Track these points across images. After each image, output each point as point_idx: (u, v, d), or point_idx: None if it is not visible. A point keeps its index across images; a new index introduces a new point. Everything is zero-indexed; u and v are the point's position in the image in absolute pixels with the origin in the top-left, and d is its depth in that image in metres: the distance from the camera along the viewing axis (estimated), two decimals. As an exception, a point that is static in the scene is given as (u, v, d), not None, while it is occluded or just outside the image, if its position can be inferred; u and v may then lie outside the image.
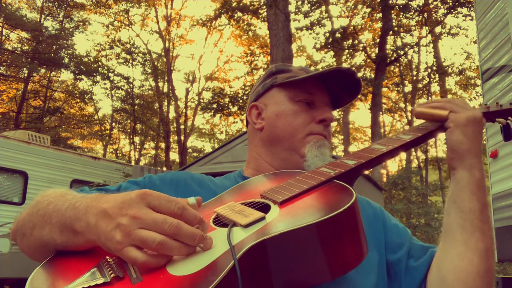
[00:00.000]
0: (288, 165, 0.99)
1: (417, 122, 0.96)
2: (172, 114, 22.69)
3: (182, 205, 0.63)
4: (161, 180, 0.97)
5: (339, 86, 1.04)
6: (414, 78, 20.99)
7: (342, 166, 0.82)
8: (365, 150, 0.87)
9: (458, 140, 0.85)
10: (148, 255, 0.59)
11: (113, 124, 23.78)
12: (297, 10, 14.53)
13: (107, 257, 0.64)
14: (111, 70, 21.63)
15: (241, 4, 15.02)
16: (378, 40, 15.97)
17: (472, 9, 13.17)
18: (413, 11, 14.95)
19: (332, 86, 1.04)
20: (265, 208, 0.73)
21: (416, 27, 16.95)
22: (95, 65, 20.67)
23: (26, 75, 18.60)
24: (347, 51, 17.72)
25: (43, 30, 18.28)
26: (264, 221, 0.67)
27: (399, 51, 16.22)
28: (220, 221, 0.73)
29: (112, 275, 0.59)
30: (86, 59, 20.54)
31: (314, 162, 0.95)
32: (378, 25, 17.33)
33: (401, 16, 15.58)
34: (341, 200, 0.66)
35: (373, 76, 15.00)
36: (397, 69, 20.78)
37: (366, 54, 17.14)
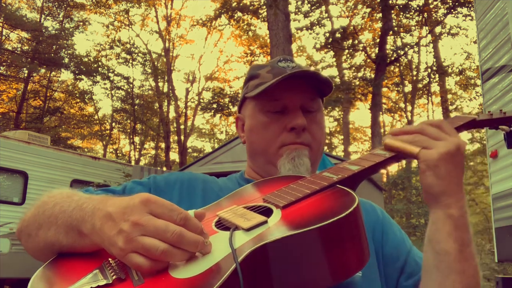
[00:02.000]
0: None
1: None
2: (172, 114, 22.72)
3: (184, 215, 0.62)
4: (165, 181, 0.96)
5: (311, 81, 0.97)
6: (414, 78, 20.96)
7: (344, 171, 0.82)
8: (368, 156, 0.86)
9: (429, 184, 0.75)
10: (152, 260, 0.59)
11: (113, 124, 23.78)
12: (297, 10, 14.51)
13: (109, 259, 0.64)
14: (111, 70, 21.63)
15: (241, 4, 15.01)
16: (378, 40, 15.95)
17: (472, 9, 13.16)
18: (413, 11, 14.94)
19: (308, 82, 0.97)
20: (267, 212, 0.73)
21: (416, 27, 16.94)
22: (95, 65, 20.65)
23: (26, 75, 18.60)
24: (347, 51, 17.70)
25: (43, 30, 18.28)
26: (266, 225, 0.67)
27: (399, 51, 16.20)
28: (222, 224, 0.73)
29: (114, 277, 0.59)
30: (86, 59, 20.53)
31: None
32: (378, 25, 17.33)
33: (401, 16, 15.58)
34: (344, 205, 0.66)
35: (373, 76, 14.99)
36: (397, 69, 20.76)
37: (366, 54, 17.12)
